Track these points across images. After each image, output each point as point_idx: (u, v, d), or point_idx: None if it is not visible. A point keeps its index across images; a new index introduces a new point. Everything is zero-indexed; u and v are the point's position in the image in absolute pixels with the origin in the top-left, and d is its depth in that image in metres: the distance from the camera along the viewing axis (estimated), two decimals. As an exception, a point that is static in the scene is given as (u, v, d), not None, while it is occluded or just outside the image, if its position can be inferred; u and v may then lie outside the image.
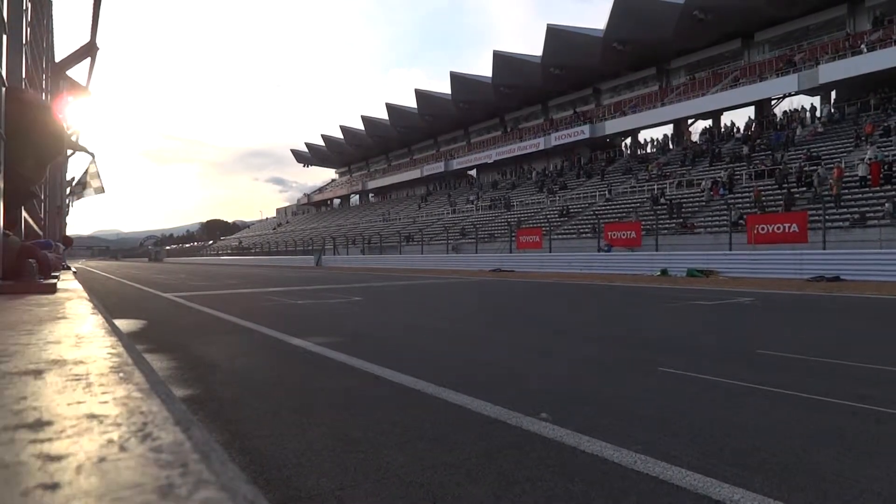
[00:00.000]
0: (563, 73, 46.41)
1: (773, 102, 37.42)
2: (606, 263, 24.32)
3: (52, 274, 2.87)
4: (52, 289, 1.80)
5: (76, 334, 0.84)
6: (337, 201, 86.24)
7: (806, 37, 36.36)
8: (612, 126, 44.31)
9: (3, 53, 2.51)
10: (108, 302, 12.16)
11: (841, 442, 3.06)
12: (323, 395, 4.20)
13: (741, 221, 22.31)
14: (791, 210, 22.67)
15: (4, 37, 2.53)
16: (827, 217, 19.84)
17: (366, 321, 8.97)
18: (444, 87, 56.89)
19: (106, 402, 0.45)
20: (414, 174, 65.93)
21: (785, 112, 36.50)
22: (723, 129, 39.18)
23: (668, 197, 30.77)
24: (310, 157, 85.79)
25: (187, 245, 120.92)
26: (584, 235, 30.34)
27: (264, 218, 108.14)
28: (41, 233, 7.60)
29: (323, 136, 78.94)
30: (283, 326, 7.92)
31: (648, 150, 43.89)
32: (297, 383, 4.64)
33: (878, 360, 5.22)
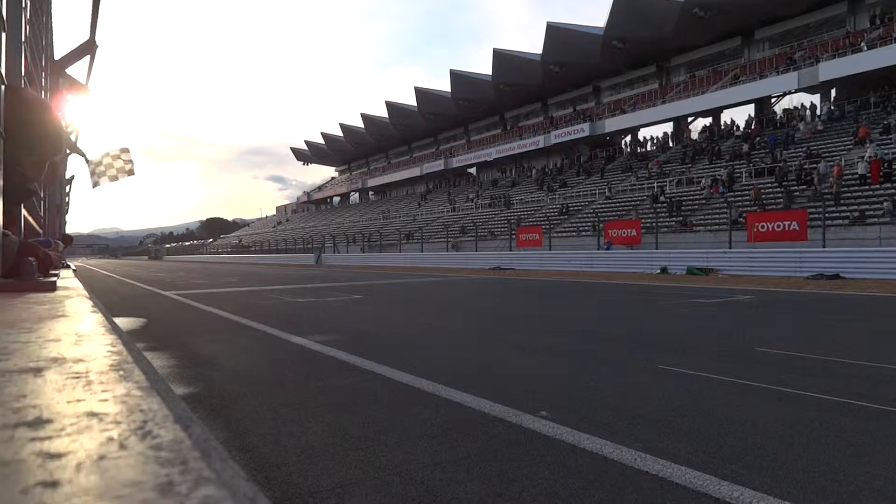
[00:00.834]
0: (563, 71, 46.36)
1: (772, 100, 37.38)
2: (606, 261, 24.32)
3: (52, 272, 2.87)
4: (52, 287, 1.80)
5: (76, 332, 0.84)
6: (337, 199, 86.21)
7: (806, 34, 36.31)
8: (612, 124, 44.29)
9: (3, 51, 2.51)
10: (108, 300, 12.17)
11: (840, 439, 3.06)
12: (323, 394, 4.20)
13: (741, 219, 22.31)
14: (791, 207, 22.68)
15: (3, 34, 2.53)
16: (827, 215, 19.84)
17: (366, 319, 8.97)
18: (444, 84, 56.90)
19: (106, 400, 0.45)
20: (414, 172, 65.90)
21: (785, 110, 36.48)
22: (723, 127, 39.15)
23: (667, 195, 30.76)
24: (309, 155, 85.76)
25: (187, 243, 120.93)
26: (583, 233, 30.34)
27: (264, 216, 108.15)
28: (41, 231, 7.60)
29: (323, 133, 78.90)
30: (283, 324, 7.93)
31: (648, 148, 43.86)
32: (297, 381, 4.64)
33: (878, 359, 5.23)
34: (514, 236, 30.95)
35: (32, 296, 1.50)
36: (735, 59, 40.08)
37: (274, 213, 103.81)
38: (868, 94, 30.95)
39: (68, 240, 13.10)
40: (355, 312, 9.90)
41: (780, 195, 24.64)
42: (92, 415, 0.41)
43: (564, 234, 31.41)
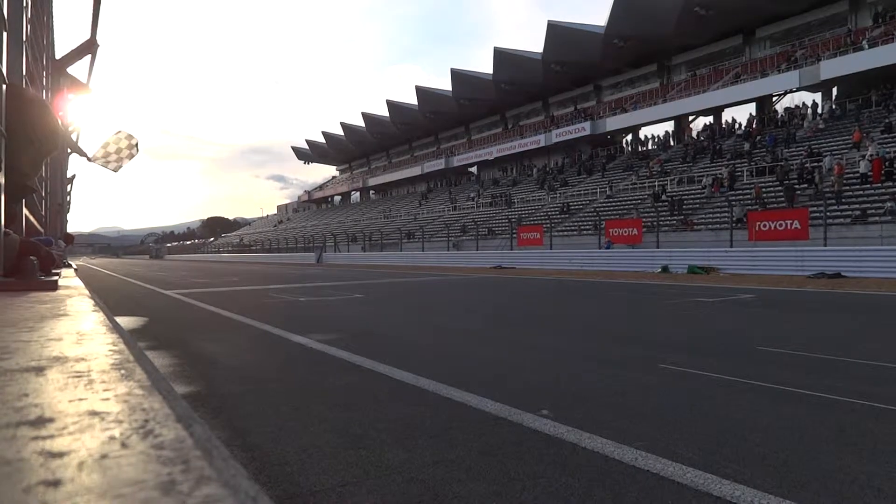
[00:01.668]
0: (564, 70, 46.33)
1: (774, 99, 37.34)
2: (607, 260, 24.30)
3: (54, 271, 2.87)
4: (54, 286, 1.80)
5: (77, 331, 0.84)
6: (338, 198, 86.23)
7: (807, 33, 36.26)
8: (613, 123, 44.25)
9: (4, 50, 2.51)
10: (109, 299, 12.18)
11: (841, 438, 3.06)
12: (324, 393, 4.21)
13: (744, 218, 22.29)
14: (792, 204, 22.66)
15: (5, 34, 2.53)
16: (828, 214, 19.82)
17: (367, 318, 8.97)
18: (445, 83, 56.92)
19: (107, 399, 0.45)
20: (415, 171, 65.89)
21: (786, 109, 36.44)
22: (724, 126, 39.11)
23: (668, 194, 30.74)
24: (310, 153, 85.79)
25: (188, 242, 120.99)
26: (584, 232, 30.32)
27: (265, 215, 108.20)
28: (42, 230, 7.61)
29: (323, 132, 78.93)
30: (284, 323, 7.93)
31: (649, 146, 43.83)
32: (298, 380, 4.65)
33: (879, 357, 5.23)
34: (514, 235, 30.93)
35: (34, 295, 1.50)
36: (736, 57, 40.04)
37: (275, 212, 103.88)
38: (869, 93, 30.90)
39: (69, 239, 13.11)
40: (356, 311, 9.90)
41: (781, 194, 24.61)
42: (94, 414, 0.41)
43: (565, 234, 31.40)
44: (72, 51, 7.42)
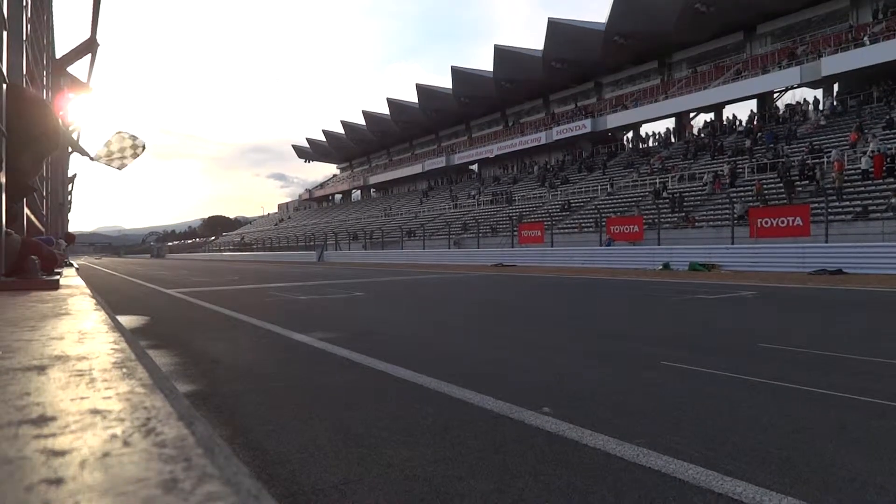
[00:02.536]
0: (565, 67, 46.27)
1: (775, 95, 37.27)
2: (608, 258, 24.29)
3: (55, 270, 2.87)
4: (55, 285, 1.80)
5: (79, 330, 0.84)
6: (338, 196, 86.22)
7: (808, 29, 36.19)
8: (614, 120, 44.20)
9: (4, 50, 2.51)
10: (110, 298, 12.19)
11: (843, 435, 3.06)
12: (326, 391, 4.21)
13: (745, 215, 22.28)
14: (793, 199, 22.64)
15: (5, 33, 2.53)
16: (829, 210, 19.81)
17: (368, 317, 8.98)
18: (445, 81, 56.87)
19: (109, 398, 0.45)
20: (415, 169, 65.88)
21: (787, 105, 36.37)
22: (725, 123, 39.06)
23: (670, 191, 30.71)
24: (311, 152, 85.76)
25: (189, 241, 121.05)
26: (585, 230, 30.31)
27: (266, 214, 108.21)
28: (43, 229, 7.62)
29: (324, 131, 78.92)
30: (285, 322, 7.94)
31: (650, 143, 43.79)
32: (299, 379, 4.65)
33: (881, 354, 5.22)
34: (515, 233, 30.93)
35: (36, 294, 1.50)
36: (737, 54, 39.96)
37: (276, 210, 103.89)
38: (871, 89, 30.84)
39: (71, 238, 13.12)
40: (357, 310, 9.91)
41: (782, 191, 24.59)
42: (95, 412, 0.41)
43: (566, 231, 31.39)
44: (72, 50, 7.42)
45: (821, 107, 33.78)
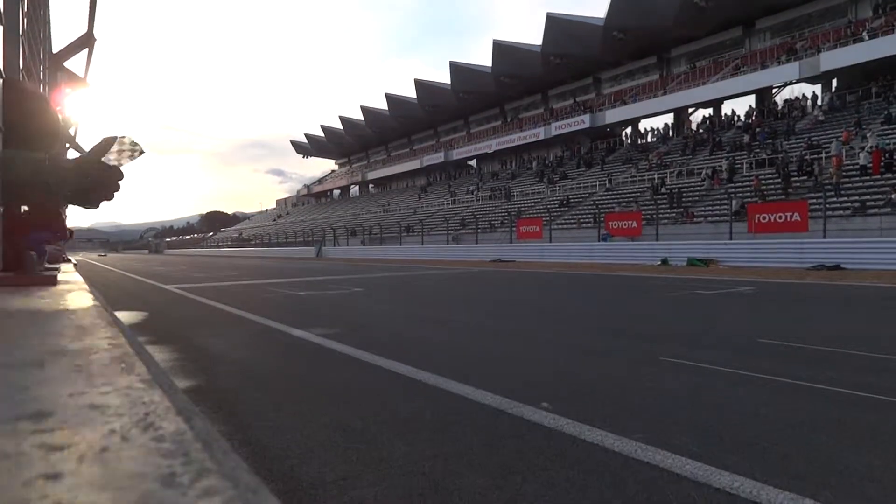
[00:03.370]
0: (564, 63, 46.20)
1: (773, 91, 37.26)
2: (607, 253, 24.32)
3: (53, 266, 2.87)
4: (53, 280, 1.80)
5: (77, 325, 0.84)
6: (337, 192, 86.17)
7: (807, 24, 36.15)
8: (613, 115, 44.18)
9: (0, 45, 2.50)
10: (108, 294, 12.18)
11: (840, 430, 3.07)
12: (325, 386, 4.21)
13: (743, 210, 22.30)
14: (789, 194, 22.68)
15: (1, 28, 2.51)
16: (828, 205, 19.83)
17: (367, 312, 8.98)
18: (443, 76, 56.71)
19: (107, 393, 0.45)
20: (414, 164, 65.83)
21: (786, 100, 36.38)
22: (723, 118, 39.05)
23: (668, 186, 30.72)
24: (309, 147, 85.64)
25: (187, 237, 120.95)
26: (584, 225, 30.33)
27: (264, 209, 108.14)
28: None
29: (322, 126, 78.75)
30: (284, 317, 7.94)
31: (649, 139, 43.78)
32: (298, 374, 4.65)
33: (878, 349, 5.24)
34: (514, 228, 30.94)
35: (33, 289, 1.50)
36: (736, 49, 39.93)
37: (274, 206, 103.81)
38: (869, 84, 30.83)
39: (69, 233, 13.08)
40: (356, 305, 9.91)
41: (780, 186, 24.62)
42: (94, 407, 0.41)
43: (565, 227, 31.41)
44: (69, 45, 7.39)
45: (819, 102, 33.77)
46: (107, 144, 1.16)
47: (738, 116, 38.18)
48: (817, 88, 34.84)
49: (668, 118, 43.16)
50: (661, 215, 25.10)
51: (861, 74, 30.99)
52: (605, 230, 25.96)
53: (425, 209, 51.40)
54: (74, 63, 7.84)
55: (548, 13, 43.41)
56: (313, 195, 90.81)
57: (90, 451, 0.32)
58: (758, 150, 29.82)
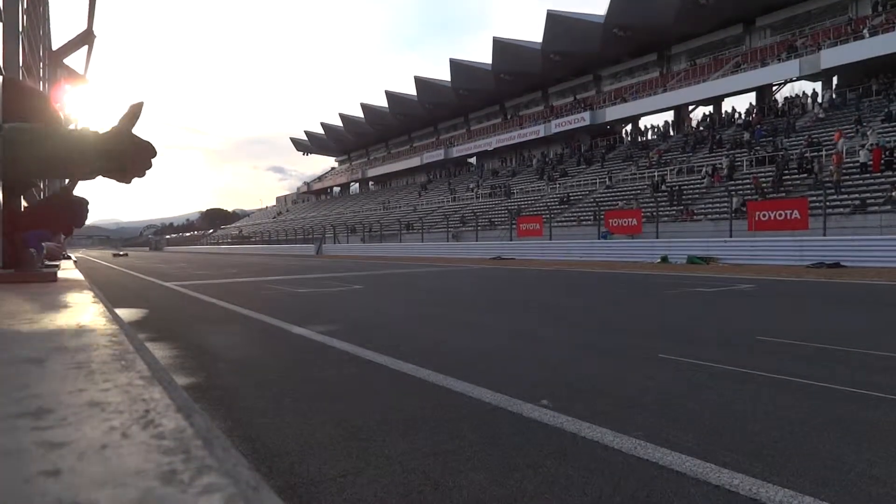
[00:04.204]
0: (564, 60, 46.14)
1: (774, 88, 37.22)
2: (607, 251, 24.32)
3: (53, 263, 2.87)
4: (53, 277, 1.80)
5: (77, 323, 0.84)
6: (337, 189, 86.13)
7: (808, 21, 36.10)
8: (613, 113, 44.13)
9: (0, 41, 2.50)
10: (108, 291, 12.18)
11: (839, 427, 3.07)
12: (325, 384, 4.22)
13: (743, 208, 22.30)
14: (780, 191, 22.73)
15: (1, 24, 2.51)
16: (827, 203, 19.82)
17: (367, 309, 8.98)
18: (444, 73, 56.58)
19: (108, 390, 0.45)
20: (414, 162, 65.77)
21: (786, 98, 36.33)
22: (723, 116, 39.00)
23: (668, 184, 30.71)
24: (309, 145, 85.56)
25: (187, 234, 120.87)
26: (584, 223, 30.32)
27: (264, 207, 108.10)
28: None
29: (322, 123, 78.67)
30: (284, 315, 7.94)
31: (649, 136, 43.74)
32: (298, 371, 4.66)
33: (877, 347, 5.24)
34: (514, 226, 30.93)
35: (34, 286, 1.50)
36: (736, 46, 39.88)
37: (274, 203, 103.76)
38: (870, 82, 30.79)
39: (69, 230, 13.08)
40: (356, 303, 9.91)
41: (784, 184, 24.63)
42: (94, 404, 0.41)
43: (565, 224, 31.40)
44: (69, 42, 7.38)
45: (819, 100, 33.73)
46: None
47: (739, 114, 38.14)
48: (818, 86, 34.81)
49: (669, 116, 43.13)
50: (661, 213, 25.09)
51: (861, 72, 30.95)
52: (605, 228, 25.97)
53: (425, 206, 51.37)
54: (74, 60, 7.84)
55: (548, 10, 43.31)
56: (313, 192, 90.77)
57: (90, 447, 0.32)
58: (758, 148, 29.80)
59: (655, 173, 32.82)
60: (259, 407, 3.61)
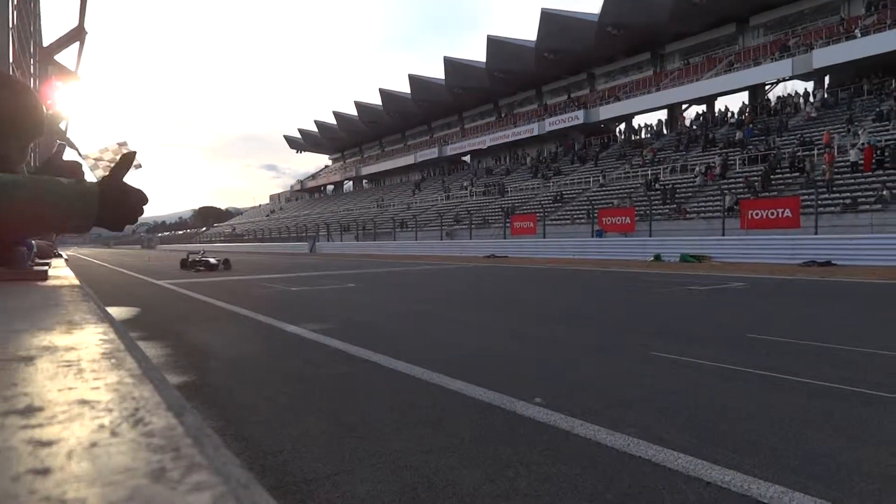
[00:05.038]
0: (558, 58, 46.15)
1: (766, 87, 37.39)
2: (600, 249, 24.38)
3: (43, 261, 2.85)
4: (44, 276, 1.79)
5: (67, 321, 0.83)
6: (330, 188, 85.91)
7: (800, 21, 36.26)
8: (607, 111, 44.19)
9: (-11, 37, 2.48)
10: (99, 289, 12.11)
11: (830, 424, 3.10)
12: (318, 382, 4.21)
13: (736, 207, 22.41)
14: (771, 189, 22.91)
15: (-10, 20, 2.49)
16: (819, 202, 19.94)
17: (360, 308, 8.97)
18: (437, 72, 56.49)
19: (97, 388, 0.45)
20: (408, 160, 65.67)
21: (779, 97, 36.51)
22: (717, 115, 39.15)
23: (661, 182, 30.80)
24: (303, 143, 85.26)
25: (180, 232, 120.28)
26: (578, 221, 30.37)
27: (257, 205, 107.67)
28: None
29: (316, 121, 78.40)
30: (277, 313, 7.92)
31: (642, 135, 43.84)
32: (292, 370, 4.65)
33: (868, 344, 5.28)
34: (508, 224, 30.95)
35: (23, 284, 1.49)
36: (729, 46, 40.00)
37: (267, 201, 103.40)
38: (861, 82, 30.99)
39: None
40: (349, 301, 9.90)
41: (770, 183, 24.76)
42: (83, 402, 0.41)
43: (558, 223, 31.44)
44: (59, 38, 7.33)
45: (812, 99, 33.92)
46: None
47: (732, 113, 38.29)
48: (810, 85, 34.99)
49: (662, 114, 43.22)
50: (654, 211, 25.17)
51: (853, 71, 31.12)
52: (599, 226, 26.02)
53: (419, 205, 51.32)
54: (65, 56, 7.79)
55: (542, 8, 43.30)
56: (307, 190, 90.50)
57: (79, 446, 0.32)
58: (751, 147, 29.94)
59: (649, 172, 32.90)
60: (252, 405, 3.60)
